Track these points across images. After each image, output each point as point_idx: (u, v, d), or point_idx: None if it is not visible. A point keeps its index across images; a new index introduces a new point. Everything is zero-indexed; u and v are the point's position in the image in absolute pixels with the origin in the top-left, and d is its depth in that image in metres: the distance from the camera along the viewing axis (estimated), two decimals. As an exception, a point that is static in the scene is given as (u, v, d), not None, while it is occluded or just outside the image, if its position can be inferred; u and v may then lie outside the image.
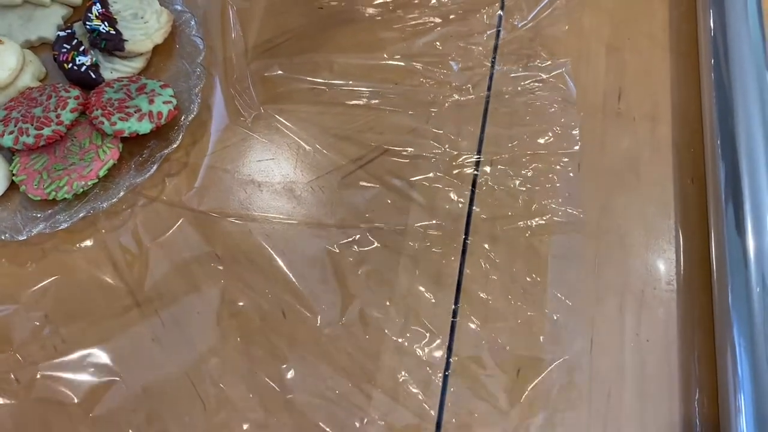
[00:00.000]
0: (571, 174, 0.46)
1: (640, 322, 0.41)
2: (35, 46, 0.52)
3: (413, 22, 0.54)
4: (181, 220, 0.45)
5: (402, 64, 0.52)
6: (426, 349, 0.40)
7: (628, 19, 0.53)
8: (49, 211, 0.44)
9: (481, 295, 0.41)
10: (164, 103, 0.46)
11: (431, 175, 0.46)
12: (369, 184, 0.46)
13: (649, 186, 0.46)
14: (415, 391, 0.39)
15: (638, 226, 0.44)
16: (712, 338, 0.40)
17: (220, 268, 0.43)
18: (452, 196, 0.45)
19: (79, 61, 0.49)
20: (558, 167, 0.46)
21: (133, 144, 0.47)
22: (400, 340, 0.40)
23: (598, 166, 0.46)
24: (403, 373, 0.39)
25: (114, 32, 0.49)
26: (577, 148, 0.47)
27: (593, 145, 0.47)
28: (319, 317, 0.41)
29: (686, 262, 0.43)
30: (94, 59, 0.49)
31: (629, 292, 0.42)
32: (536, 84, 0.50)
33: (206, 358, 0.40)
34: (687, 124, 0.48)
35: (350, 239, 0.44)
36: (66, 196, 0.44)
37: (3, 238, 0.43)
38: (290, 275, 0.43)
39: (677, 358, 0.40)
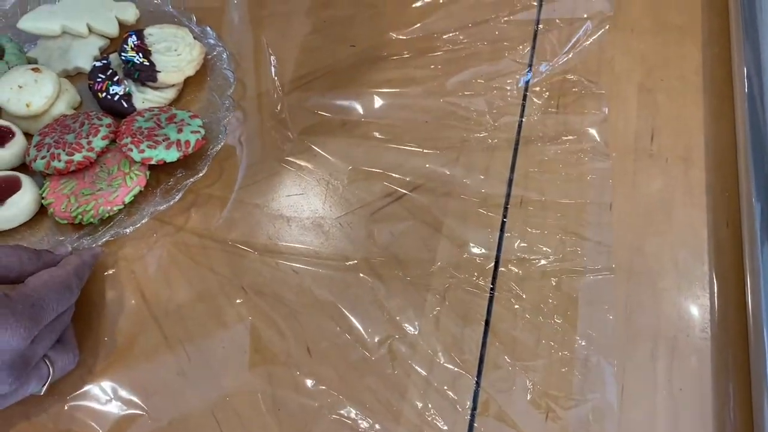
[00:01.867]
0: (602, 215, 0.45)
1: (672, 369, 0.39)
2: (71, 75, 0.54)
3: (444, 60, 0.54)
4: (207, 251, 0.45)
5: (432, 101, 0.52)
6: (454, 387, 0.39)
7: (660, 60, 0.53)
8: (75, 235, 0.45)
9: (510, 333, 0.40)
10: (192, 132, 0.47)
11: (460, 213, 0.46)
12: (397, 221, 0.45)
13: (682, 229, 0.45)
14: (443, 429, 0.38)
15: (671, 270, 0.43)
16: (748, 389, 0.38)
17: (247, 301, 0.42)
18: (481, 235, 0.45)
19: (113, 90, 0.50)
20: (588, 210, 0.45)
21: (160, 172, 0.47)
22: (427, 376, 0.39)
23: (629, 207, 0.46)
24: (429, 410, 0.38)
25: (148, 63, 0.50)
26: (608, 198, 0.46)
27: (625, 187, 0.46)
28: (345, 353, 0.40)
29: (721, 309, 0.41)
30: (127, 89, 0.50)
31: (661, 338, 0.40)
32: (568, 129, 0.49)
33: (231, 394, 0.39)
34: (721, 166, 0.47)
35: (378, 275, 0.43)
36: (92, 220, 0.44)
37: (29, 261, 0.43)
38: (317, 311, 0.42)
39: (711, 409, 0.38)
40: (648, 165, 0.47)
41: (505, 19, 0.56)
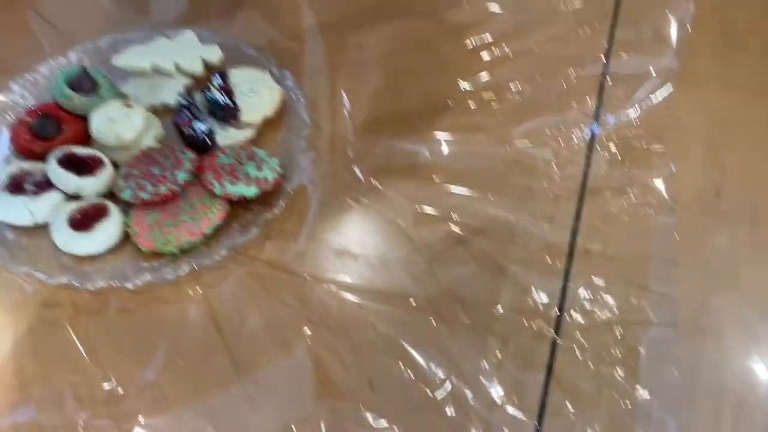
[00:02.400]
0: (668, 270, 0.45)
1: (737, 429, 0.39)
2: (158, 111, 0.57)
3: (510, 110, 0.56)
4: (278, 283, 0.46)
5: (498, 149, 0.53)
6: (515, 422, 0.39)
7: (727, 118, 0.54)
8: (156, 263, 0.47)
9: (572, 381, 0.41)
10: (270, 170, 0.49)
11: (523, 260, 0.47)
12: (461, 264, 0.47)
13: (749, 288, 0.44)
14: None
15: (737, 328, 0.43)
16: (816, 453, 0.38)
17: (313, 333, 0.44)
18: (545, 283, 0.45)
19: (197, 127, 0.53)
20: (654, 263, 0.46)
21: (238, 206, 0.49)
22: (487, 419, 0.40)
23: (695, 263, 0.46)
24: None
25: (230, 103, 0.53)
26: (674, 253, 0.46)
27: (690, 242, 0.47)
28: (406, 391, 0.41)
29: (788, 369, 0.41)
30: (210, 126, 0.53)
31: (726, 396, 0.40)
32: (633, 182, 0.50)
33: (296, 423, 0.40)
34: (789, 225, 0.47)
35: (440, 316, 0.44)
36: (173, 250, 0.47)
37: (112, 284, 0.45)
38: (380, 347, 0.43)
39: (777, 472, 0.38)
40: (714, 222, 0.48)
41: (573, 71, 0.58)
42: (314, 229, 0.50)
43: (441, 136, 0.55)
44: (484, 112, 0.56)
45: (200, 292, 0.46)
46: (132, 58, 0.58)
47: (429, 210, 0.50)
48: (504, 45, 0.61)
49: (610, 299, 0.44)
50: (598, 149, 0.52)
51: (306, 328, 0.44)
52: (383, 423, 0.40)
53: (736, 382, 0.41)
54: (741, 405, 0.40)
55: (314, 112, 0.56)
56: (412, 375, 0.42)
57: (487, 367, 0.42)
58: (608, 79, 0.57)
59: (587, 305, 0.44)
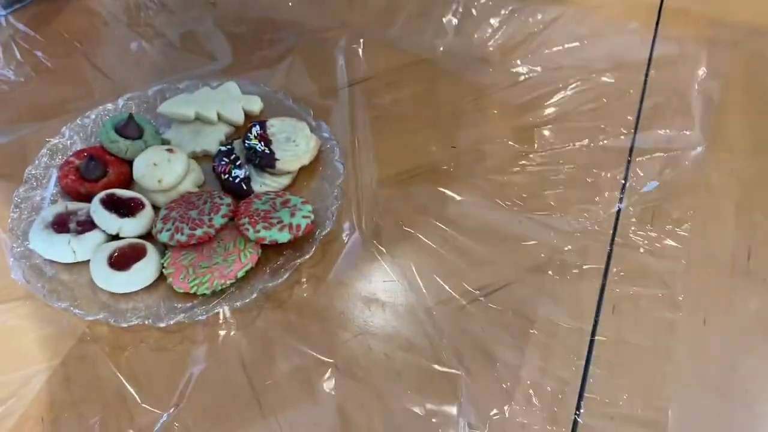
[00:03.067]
0: (695, 329, 0.45)
1: (768, 497, 0.38)
2: (198, 157, 0.59)
3: (539, 170, 0.57)
4: (306, 327, 0.47)
5: (522, 215, 0.54)
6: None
7: (758, 180, 0.54)
8: (189, 304, 0.48)
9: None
10: (303, 217, 0.50)
11: (552, 313, 0.47)
12: (487, 316, 0.47)
13: (780, 351, 0.44)
14: None
15: (766, 391, 0.42)
16: None
17: (339, 379, 0.44)
18: (572, 336, 0.45)
19: (235, 173, 0.55)
20: (681, 320, 0.46)
21: (270, 251, 0.51)
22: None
23: (724, 324, 0.45)
24: None
25: (268, 152, 0.55)
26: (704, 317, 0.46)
27: (720, 303, 0.46)
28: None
29: (822, 439, 0.40)
30: (247, 173, 0.55)
31: (757, 462, 0.39)
32: (662, 244, 0.50)
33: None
34: (822, 291, 0.47)
35: (466, 369, 0.44)
36: (206, 291, 0.48)
37: (146, 323, 0.46)
38: (405, 396, 0.43)
39: None
40: (745, 283, 0.47)
41: (602, 143, 0.59)
42: (343, 275, 0.50)
43: (467, 192, 0.55)
44: (512, 169, 0.57)
45: (230, 333, 0.47)
46: (176, 106, 0.61)
47: (457, 262, 0.51)
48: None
49: (635, 366, 0.44)
50: (624, 223, 0.52)
51: (332, 374, 0.45)
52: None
53: (767, 449, 0.40)
54: (772, 473, 0.39)
55: (348, 162, 0.57)
56: (439, 428, 0.42)
57: (512, 426, 0.42)
58: (636, 154, 0.58)
59: (613, 371, 0.44)
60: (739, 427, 0.41)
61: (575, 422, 0.41)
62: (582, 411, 0.42)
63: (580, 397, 0.42)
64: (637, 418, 0.41)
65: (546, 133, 0.60)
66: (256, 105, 0.62)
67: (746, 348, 0.44)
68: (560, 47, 0.69)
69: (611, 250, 0.50)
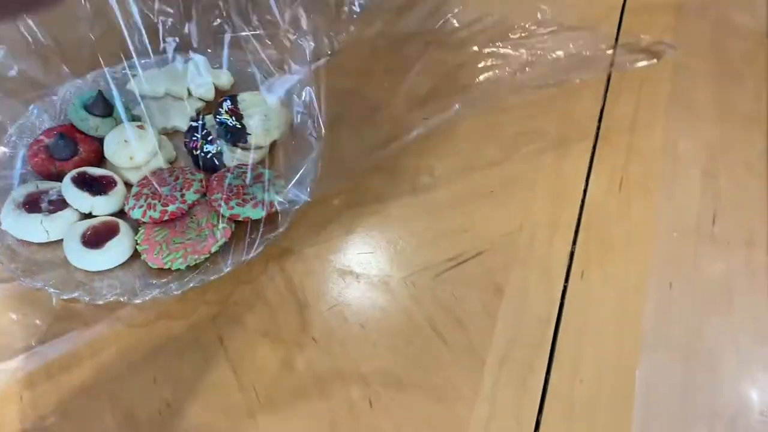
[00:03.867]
0: (662, 294, 0.46)
1: (730, 452, 0.40)
2: (169, 133, 0.59)
3: (513, 133, 0.57)
4: (282, 300, 0.48)
5: (498, 172, 0.54)
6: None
7: (724, 146, 0.55)
8: (164, 280, 0.48)
9: (567, 401, 0.42)
10: (277, 192, 0.51)
11: (523, 280, 0.48)
12: (460, 284, 0.48)
13: (743, 313, 0.45)
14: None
15: (730, 352, 0.44)
16: (808, 477, 0.38)
17: (316, 351, 0.45)
18: (543, 304, 0.46)
19: (206, 149, 0.54)
20: (649, 288, 0.47)
21: (243, 225, 0.51)
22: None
23: (689, 287, 0.47)
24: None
25: (240, 126, 0.55)
26: (669, 277, 0.47)
27: (685, 267, 0.48)
28: (405, 406, 0.42)
29: (781, 394, 0.42)
30: (219, 148, 0.55)
31: (719, 420, 0.41)
32: (631, 208, 0.51)
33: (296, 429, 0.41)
34: (784, 252, 0.48)
35: (440, 336, 0.45)
36: (180, 266, 0.48)
37: (122, 300, 0.47)
38: (380, 365, 0.44)
39: (769, 496, 0.38)
40: (709, 248, 0.49)
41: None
42: (318, 249, 0.51)
43: (443, 158, 0.56)
44: (486, 137, 0.57)
45: (205, 308, 0.48)
46: (146, 82, 0.60)
47: (431, 231, 0.51)
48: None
49: (605, 320, 0.45)
50: (596, 177, 0.54)
51: (309, 346, 0.45)
52: (381, 440, 0.41)
53: (729, 406, 0.41)
54: (734, 428, 0.40)
55: (321, 135, 0.57)
56: (410, 394, 0.43)
57: (484, 386, 0.43)
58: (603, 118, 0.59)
59: (582, 327, 0.45)
60: (702, 386, 0.42)
61: (545, 386, 0.42)
62: (552, 375, 0.43)
63: (550, 361, 0.44)
64: (605, 382, 0.42)
65: (516, 91, 0.60)
66: (225, 79, 0.62)
67: (711, 310, 0.45)
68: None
69: (580, 216, 0.51)
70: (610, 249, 0.49)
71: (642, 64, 0.61)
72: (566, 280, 0.47)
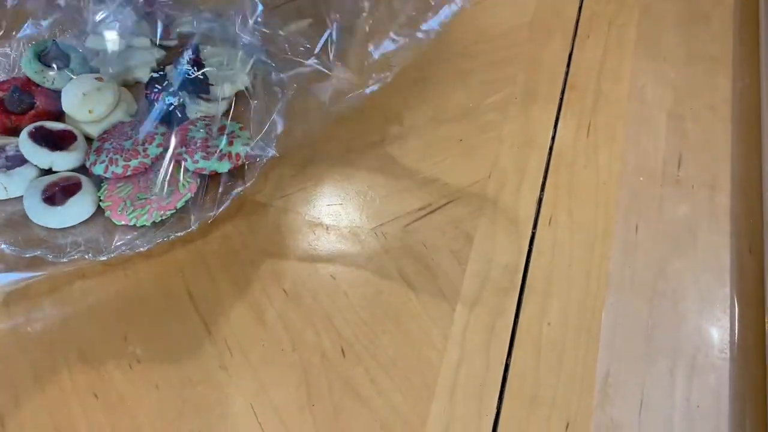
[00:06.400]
0: (628, 236, 0.47)
1: (691, 387, 0.41)
2: (130, 85, 0.57)
3: (481, 80, 0.57)
4: (251, 255, 0.47)
5: (467, 122, 0.54)
6: (479, 392, 0.41)
7: (690, 89, 0.55)
8: (129, 236, 0.47)
9: (534, 347, 0.42)
10: (243, 145, 0.50)
11: (492, 227, 0.48)
12: (430, 233, 0.48)
13: (705, 253, 0.46)
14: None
15: (693, 292, 0.45)
16: (764, 408, 0.40)
17: (287, 302, 0.45)
18: (512, 250, 0.47)
19: (168, 100, 0.53)
20: (615, 232, 0.47)
21: (209, 180, 0.50)
22: (452, 383, 0.41)
23: (655, 230, 0.47)
24: (456, 418, 0.40)
25: (202, 77, 0.53)
26: (634, 220, 0.48)
27: (651, 210, 0.48)
28: (376, 356, 0.43)
29: (741, 332, 0.43)
30: (181, 100, 0.53)
31: (681, 356, 0.42)
32: (598, 152, 0.51)
33: (268, 389, 0.42)
34: (746, 193, 0.49)
35: (410, 285, 0.45)
36: (145, 223, 0.47)
37: (86, 257, 0.46)
38: (352, 315, 0.44)
39: (728, 427, 0.40)
40: (674, 190, 0.49)
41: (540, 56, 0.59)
42: (286, 201, 0.50)
43: (411, 108, 0.55)
44: (455, 86, 0.57)
45: (174, 264, 0.47)
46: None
47: (400, 181, 0.51)
48: None
49: (570, 262, 0.46)
50: (565, 121, 0.53)
51: (279, 298, 0.45)
52: (354, 388, 0.42)
53: (690, 344, 0.42)
54: (695, 366, 0.42)
55: (287, 86, 0.56)
56: (384, 342, 0.43)
57: (454, 332, 0.43)
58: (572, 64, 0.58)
59: (549, 269, 0.46)
60: (665, 326, 0.43)
61: (514, 330, 0.43)
62: (520, 319, 0.44)
63: (519, 306, 0.44)
64: (572, 324, 0.43)
65: (485, 46, 0.60)
66: (188, 28, 0.59)
67: (675, 252, 0.46)
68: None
69: (548, 163, 0.51)
70: (578, 195, 0.49)
71: None
72: (534, 226, 0.48)
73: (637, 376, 0.41)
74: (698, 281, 0.45)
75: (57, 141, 0.50)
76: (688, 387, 0.41)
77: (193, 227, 0.47)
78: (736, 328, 0.43)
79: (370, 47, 0.48)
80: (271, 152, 0.50)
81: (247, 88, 0.55)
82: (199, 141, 0.49)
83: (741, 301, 0.44)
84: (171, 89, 0.54)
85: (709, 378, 0.41)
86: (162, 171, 0.49)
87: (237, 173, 0.50)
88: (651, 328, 0.43)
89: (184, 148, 0.49)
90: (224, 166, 0.49)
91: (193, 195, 0.49)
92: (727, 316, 0.43)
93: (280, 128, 0.52)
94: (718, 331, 0.43)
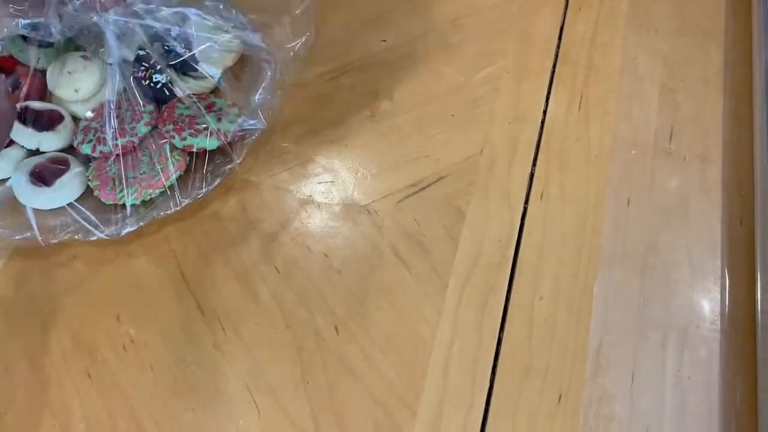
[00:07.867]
0: (620, 209, 0.47)
1: (682, 359, 0.41)
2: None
3: (472, 54, 0.56)
4: (243, 233, 0.47)
5: (458, 96, 0.54)
6: (472, 366, 0.41)
7: (682, 61, 0.55)
8: (119, 215, 0.47)
9: (526, 322, 0.43)
10: (230, 122, 0.49)
11: (484, 203, 0.48)
12: (422, 210, 0.48)
13: (697, 226, 0.46)
14: (460, 410, 0.40)
15: (684, 264, 0.45)
16: (754, 380, 0.40)
17: (280, 280, 0.45)
18: (504, 226, 0.47)
19: (156, 78, 0.52)
20: (607, 204, 0.47)
21: (198, 157, 0.49)
22: (446, 358, 0.42)
23: (646, 203, 0.47)
24: (448, 397, 0.40)
25: (189, 54, 0.52)
26: (626, 193, 0.48)
27: (643, 183, 0.48)
28: (371, 333, 0.43)
29: (732, 303, 0.43)
30: (168, 78, 0.53)
31: (672, 329, 0.42)
32: (589, 126, 0.51)
33: (262, 367, 0.42)
34: (738, 165, 0.49)
35: (403, 261, 0.45)
36: (135, 202, 0.47)
37: (77, 237, 0.46)
38: (345, 292, 0.44)
39: (718, 399, 0.40)
40: (666, 162, 0.49)
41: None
42: (277, 179, 0.50)
43: (401, 84, 0.55)
44: (446, 61, 0.56)
45: (164, 244, 0.47)
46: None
47: (391, 157, 0.51)
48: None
49: (563, 237, 0.46)
50: (556, 95, 0.53)
51: (272, 276, 0.45)
52: (345, 367, 0.42)
53: (682, 315, 0.43)
54: (686, 338, 0.42)
55: (275, 61, 0.55)
56: (377, 317, 0.43)
57: (447, 307, 0.43)
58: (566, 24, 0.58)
59: (542, 244, 0.46)
60: (657, 298, 0.43)
61: (506, 305, 0.43)
62: (512, 294, 0.44)
63: (511, 281, 0.44)
64: (564, 298, 0.43)
65: (474, 19, 0.59)
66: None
67: (666, 225, 0.46)
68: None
69: (540, 137, 0.51)
70: (569, 169, 0.49)
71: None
72: (526, 201, 0.48)
73: (629, 349, 0.41)
74: (689, 254, 0.45)
75: (43, 121, 0.50)
76: (679, 359, 0.41)
77: (182, 205, 0.47)
78: (727, 300, 0.43)
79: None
80: (260, 128, 0.50)
81: (234, 66, 0.54)
82: (186, 118, 0.49)
83: (732, 273, 0.44)
84: (158, 67, 0.53)
85: (700, 350, 0.41)
86: (150, 149, 0.49)
87: (226, 150, 0.49)
88: (643, 300, 0.43)
89: (171, 126, 0.48)
90: (212, 144, 0.48)
91: (182, 173, 0.48)
92: (719, 288, 0.44)
93: (268, 104, 0.51)
94: (710, 304, 0.43)
